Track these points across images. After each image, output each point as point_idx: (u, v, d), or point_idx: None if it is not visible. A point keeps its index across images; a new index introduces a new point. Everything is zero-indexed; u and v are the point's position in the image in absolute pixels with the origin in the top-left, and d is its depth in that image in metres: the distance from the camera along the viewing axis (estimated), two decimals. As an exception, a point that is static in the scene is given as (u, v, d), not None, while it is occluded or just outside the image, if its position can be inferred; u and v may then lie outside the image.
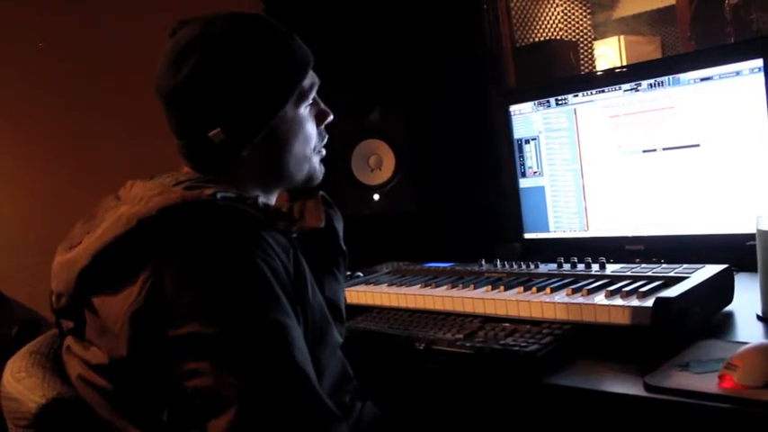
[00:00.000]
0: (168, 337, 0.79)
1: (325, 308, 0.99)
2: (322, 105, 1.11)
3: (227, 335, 0.79)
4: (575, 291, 1.17)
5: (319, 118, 1.10)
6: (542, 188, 1.71)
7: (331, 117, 1.12)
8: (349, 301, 1.24)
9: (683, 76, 1.44)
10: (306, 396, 0.80)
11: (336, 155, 1.91)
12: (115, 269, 0.85)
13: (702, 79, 1.42)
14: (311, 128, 1.08)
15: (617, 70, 1.80)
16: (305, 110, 1.06)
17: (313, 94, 1.07)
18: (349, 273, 1.59)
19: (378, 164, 1.95)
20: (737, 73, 1.37)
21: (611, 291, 1.12)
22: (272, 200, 1.11)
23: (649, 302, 1.02)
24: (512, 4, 2.18)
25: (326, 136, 1.13)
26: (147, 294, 0.81)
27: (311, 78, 1.06)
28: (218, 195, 0.90)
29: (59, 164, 2.27)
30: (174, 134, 1.03)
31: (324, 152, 1.13)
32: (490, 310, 1.22)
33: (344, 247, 1.12)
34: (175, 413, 0.81)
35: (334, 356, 1.02)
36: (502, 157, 1.79)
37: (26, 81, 2.26)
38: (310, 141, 1.08)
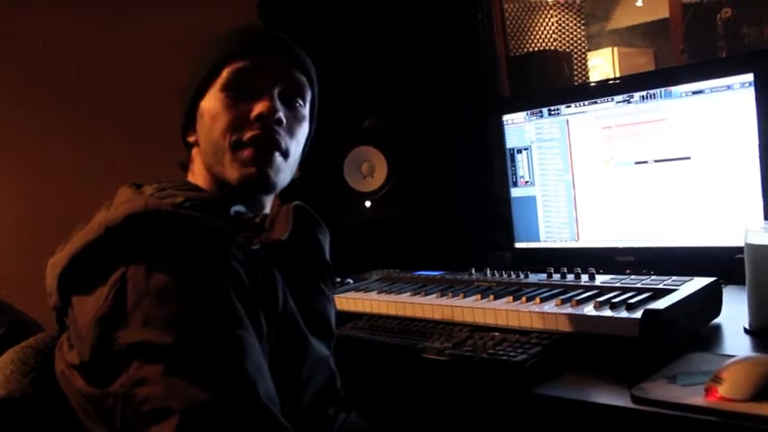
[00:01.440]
0: (124, 343, 0.80)
1: (299, 320, 0.97)
2: (263, 97, 0.99)
3: (179, 345, 0.79)
4: (564, 301, 1.17)
5: (244, 107, 0.99)
6: (534, 198, 1.71)
7: (261, 109, 0.98)
8: (338, 307, 1.23)
9: (674, 89, 1.45)
10: (252, 409, 0.79)
11: (329, 161, 1.91)
12: (88, 274, 0.86)
13: (694, 92, 1.43)
14: (227, 115, 0.98)
15: (610, 82, 1.80)
16: (227, 95, 0.99)
17: (242, 78, 0.99)
18: (339, 279, 1.59)
19: (370, 171, 1.95)
20: (728, 87, 1.38)
21: (600, 302, 1.12)
22: (267, 203, 1.09)
23: (638, 314, 1.03)
24: (506, 14, 2.19)
25: (258, 131, 0.98)
26: (113, 300, 0.82)
27: (243, 61, 1.00)
28: (187, 204, 0.90)
29: (57, 166, 2.26)
30: None
31: (249, 152, 0.98)
32: (479, 319, 1.22)
33: (329, 261, 1.11)
34: (126, 419, 0.80)
35: (318, 369, 1.00)
36: (494, 167, 1.80)
37: (26, 81, 2.25)
38: (223, 131, 0.98)
